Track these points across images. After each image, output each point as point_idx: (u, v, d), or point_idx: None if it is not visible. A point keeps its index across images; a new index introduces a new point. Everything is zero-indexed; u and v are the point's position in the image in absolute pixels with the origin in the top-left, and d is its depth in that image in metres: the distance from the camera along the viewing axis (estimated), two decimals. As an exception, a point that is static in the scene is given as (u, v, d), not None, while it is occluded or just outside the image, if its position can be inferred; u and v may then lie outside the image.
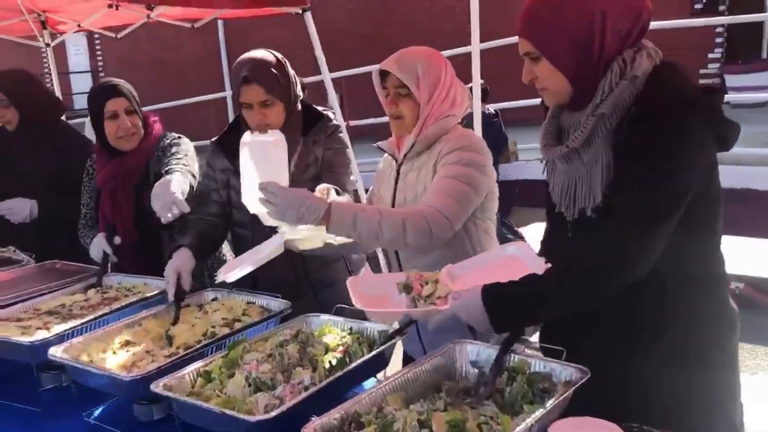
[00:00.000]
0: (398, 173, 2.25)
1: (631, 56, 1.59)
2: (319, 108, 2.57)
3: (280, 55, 2.44)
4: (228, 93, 12.68)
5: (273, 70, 2.37)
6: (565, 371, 1.59)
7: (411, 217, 1.96)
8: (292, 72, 2.46)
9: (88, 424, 1.89)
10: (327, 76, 4.57)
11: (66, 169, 3.05)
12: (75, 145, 3.23)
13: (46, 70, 18.28)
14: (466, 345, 1.77)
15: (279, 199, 1.89)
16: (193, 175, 2.63)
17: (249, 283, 2.38)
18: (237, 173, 2.48)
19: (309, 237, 2.07)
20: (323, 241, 2.07)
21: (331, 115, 2.55)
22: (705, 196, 1.58)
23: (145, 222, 2.63)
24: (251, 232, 2.46)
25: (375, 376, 1.88)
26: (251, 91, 2.35)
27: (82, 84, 17.45)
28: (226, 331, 2.00)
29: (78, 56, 18.41)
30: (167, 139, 2.77)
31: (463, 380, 1.72)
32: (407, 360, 2.29)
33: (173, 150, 2.72)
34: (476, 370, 1.72)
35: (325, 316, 2.05)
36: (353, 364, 1.73)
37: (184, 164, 2.64)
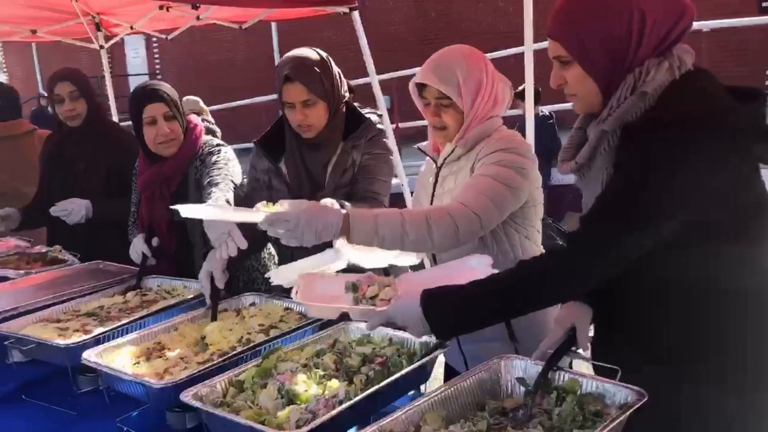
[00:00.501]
0: (437, 177, 2.16)
1: (648, 68, 1.46)
2: (366, 111, 2.48)
3: (324, 54, 2.38)
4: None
5: (316, 68, 2.30)
6: (619, 393, 1.46)
7: (434, 214, 1.84)
8: (336, 71, 2.39)
9: (120, 430, 1.85)
10: (375, 78, 4.50)
11: (119, 169, 3.05)
12: (127, 146, 3.23)
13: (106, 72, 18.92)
14: (512, 360, 1.66)
15: (292, 223, 1.76)
16: (235, 185, 2.58)
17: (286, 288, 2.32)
18: (279, 174, 2.43)
19: (371, 255, 1.99)
20: (387, 262, 1.99)
21: (376, 119, 2.46)
22: (743, 209, 1.45)
23: (181, 229, 2.61)
24: None
25: (418, 389, 1.79)
26: (293, 89, 2.29)
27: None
28: (262, 338, 1.94)
29: (136, 59, 18.84)
30: (208, 146, 2.72)
31: (509, 399, 1.61)
32: (449, 371, 2.19)
33: (214, 158, 2.66)
34: (523, 389, 1.62)
35: (362, 326, 1.96)
36: (392, 378, 1.64)
37: (225, 174, 2.58)
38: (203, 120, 4.36)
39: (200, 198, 2.59)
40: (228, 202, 2.44)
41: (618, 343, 1.60)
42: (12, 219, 3.17)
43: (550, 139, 6.83)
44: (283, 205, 1.88)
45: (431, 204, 2.15)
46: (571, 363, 1.63)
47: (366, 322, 1.71)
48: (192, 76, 17.55)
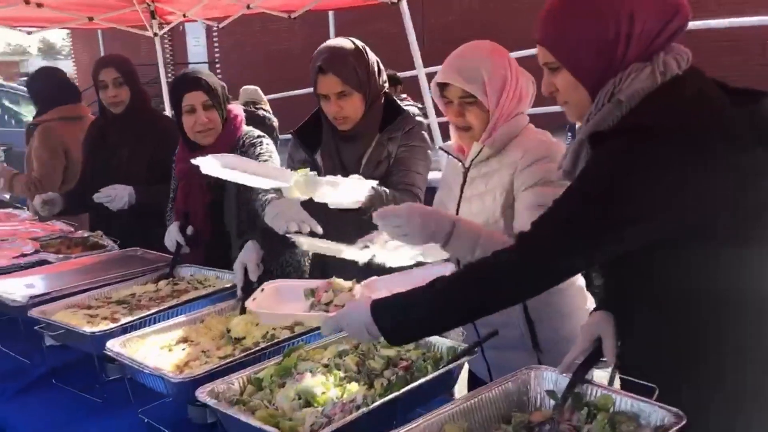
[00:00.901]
0: (465, 179, 2.05)
1: (630, 73, 1.38)
2: (407, 103, 2.42)
3: (360, 44, 2.32)
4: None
5: (350, 59, 2.25)
6: (656, 413, 1.36)
7: None
8: (373, 61, 2.33)
9: (140, 420, 1.83)
10: (421, 71, 4.40)
11: (161, 157, 3.03)
12: (170, 133, 3.23)
13: (169, 59, 19.30)
14: (542, 371, 1.57)
15: (403, 219, 1.71)
16: None
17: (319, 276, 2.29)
18: (314, 166, 2.38)
19: (397, 254, 1.92)
20: (413, 258, 1.92)
21: (416, 111, 2.39)
22: (742, 216, 1.35)
23: (217, 219, 2.59)
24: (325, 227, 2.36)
25: (450, 394, 1.72)
26: (327, 81, 2.25)
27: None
28: (287, 334, 1.89)
29: (197, 47, 19.16)
30: (249, 137, 2.69)
31: (537, 412, 1.52)
32: (472, 378, 2.10)
33: (257, 151, 2.63)
34: (553, 402, 1.53)
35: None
36: (413, 384, 1.57)
37: (269, 157, 2.57)
38: (260, 110, 4.36)
39: (239, 192, 2.58)
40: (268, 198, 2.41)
41: (658, 359, 1.49)
42: (54, 203, 3.21)
43: None
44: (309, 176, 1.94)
45: (458, 206, 2.05)
46: (591, 376, 1.53)
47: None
48: (251, 65, 17.75)
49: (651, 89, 1.37)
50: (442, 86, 1.97)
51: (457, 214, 2.03)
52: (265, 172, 2.08)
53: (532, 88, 2.00)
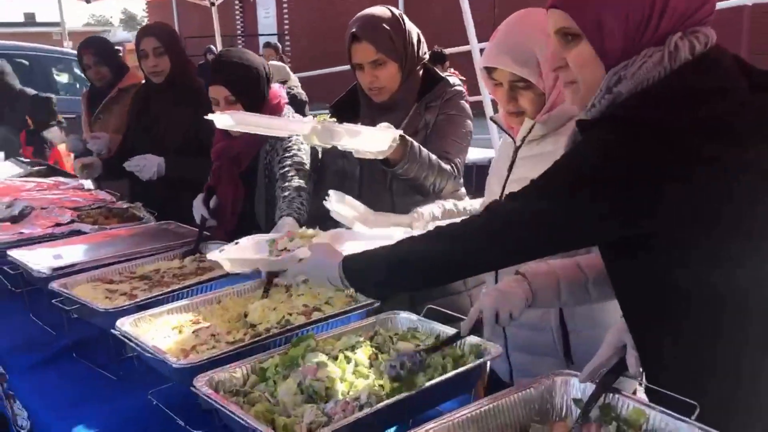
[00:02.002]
0: (514, 159, 1.86)
1: (637, 60, 1.20)
2: (447, 74, 2.27)
3: (397, 12, 2.18)
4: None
5: (385, 26, 2.12)
6: (694, 434, 1.19)
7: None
8: (411, 30, 2.18)
9: (149, 402, 1.77)
10: (475, 45, 4.18)
11: (198, 129, 2.97)
12: (208, 106, 3.18)
13: (239, 30, 19.40)
14: (570, 378, 1.41)
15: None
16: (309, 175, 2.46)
17: None
18: None
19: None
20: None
21: (456, 81, 2.25)
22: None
23: (248, 207, 2.52)
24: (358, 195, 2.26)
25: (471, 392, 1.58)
26: (361, 49, 2.14)
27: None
28: (302, 320, 1.78)
29: (267, 19, 19.26)
30: None
31: (559, 423, 1.37)
32: (493, 379, 1.94)
33: (285, 145, 2.51)
34: (578, 410, 1.37)
35: (413, 317, 1.77)
36: (427, 384, 1.44)
37: (299, 163, 2.44)
38: (289, 88, 4.25)
39: (269, 186, 2.51)
40: (302, 195, 2.34)
41: (699, 374, 1.31)
42: (94, 168, 3.22)
43: None
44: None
45: (503, 188, 1.87)
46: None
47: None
48: (320, 37, 17.70)
49: (655, 80, 1.19)
50: (491, 68, 1.77)
51: (501, 197, 1.87)
52: (281, 123, 2.04)
53: None
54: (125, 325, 1.76)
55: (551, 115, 1.74)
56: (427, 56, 2.24)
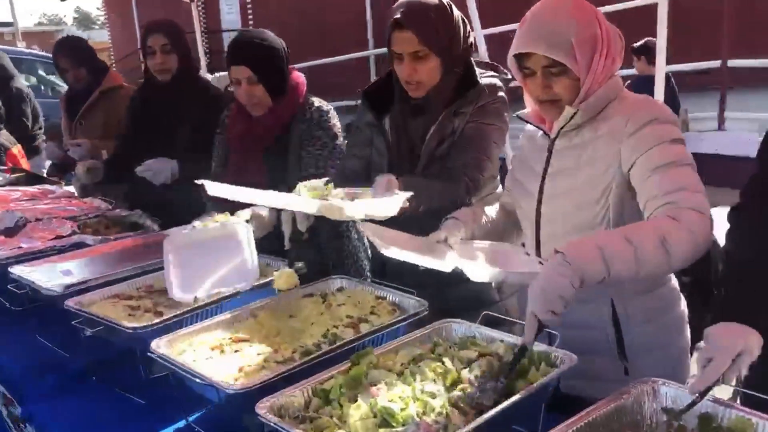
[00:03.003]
0: (550, 154, 1.78)
1: None
2: (489, 74, 2.11)
3: (446, 1, 2.01)
4: (371, 52, 12.42)
5: (432, 15, 1.97)
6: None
7: (670, 234, 1.45)
8: (458, 22, 2.02)
9: (189, 428, 1.65)
10: (479, 32, 4.08)
11: (206, 128, 2.81)
12: (217, 105, 3.03)
13: (203, 27, 19.12)
14: (659, 386, 1.33)
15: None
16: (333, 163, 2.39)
17: (378, 269, 2.06)
18: (381, 132, 2.17)
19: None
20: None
21: (497, 83, 2.09)
22: None
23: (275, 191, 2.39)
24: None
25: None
26: (403, 38, 1.98)
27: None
28: (350, 334, 1.67)
29: (230, 15, 18.89)
30: (317, 110, 2.47)
31: (653, 435, 1.29)
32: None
33: (324, 126, 2.43)
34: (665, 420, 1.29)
35: (468, 325, 1.66)
36: (512, 399, 1.33)
37: (332, 160, 2.37)
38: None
39: (297, 161, 2.41)
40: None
41: None
42: (96, 172, 3.06)
43: (669, 102, 6.18)
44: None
45: (542, 184, 1.78)
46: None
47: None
48: (285, 32, 17.38)
49: None
50: (522, 56, 1.68)
51: (540, 195, 1.78)
52: (284, 200, 1.87)
53: (622, 45, 1.72)
54: (161, 346, 1.63)
55: (590, 102, 1.67)
56: (471, 50, 2.09)
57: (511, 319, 1.77)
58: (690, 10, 7.23)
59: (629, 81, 5.36)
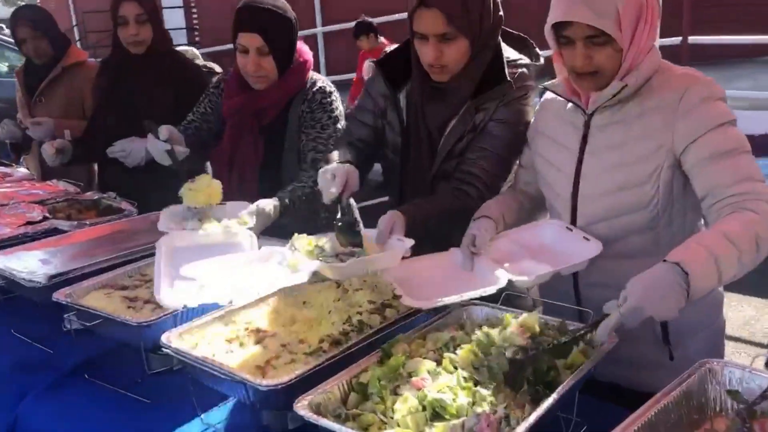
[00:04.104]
0: (587, 128, 1.68)
1: None
2: (522, 60, 1.95)
3: None
4: (320, 29, 12.10)
5: None
6: None
7: (761, 230, 1.39)
8: (491, 1, 1.85)
9: (207, 427, 1.52)
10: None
11: (185, 104, 2.65)
12: (192, 79, 2.85)
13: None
14: (723, 367, 1.27)
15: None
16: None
17: None
18: (395, 107, 2.03)
19: None
20: None
21: (525, 72, 1.93)
22: None
23: (272, 167, 2.25)
24: (399, 177, 2.04)
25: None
26: (429, 17, 1.79)
27: (173, 20, 17.27)
28: (377, 321, 1.57)
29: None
30: (320, 92, 2.33)
31: (720, 418, 1.23)
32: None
33: (327, 108, 2.29)
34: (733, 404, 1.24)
35: (494, 309, 1.58)
36: (566, 384, 1.26)
37: (333, 145, 2.22)
38: (204, 66, 3.92)
39: (295, 142, 2.28)
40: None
41: None
42: (65, 152, 2.83)
43: None
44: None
45: (578, 165, 1.68)
46: None
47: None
48: (228, 7, 16.82)
49: None
50: (562, 24, 1.57)
51: (578, 173, 1.69)
52: (278, 279, 1.63)
53: (660, 11, 1.62)
54: (172, 340, 1.49)
55: (639, 75, 1.58)
56: (500, 25, 1.92)
57: (533, 297, 1.71)
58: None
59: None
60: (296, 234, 1.69)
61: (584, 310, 1.55)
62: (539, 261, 1.62)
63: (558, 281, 1.65)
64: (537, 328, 1.46)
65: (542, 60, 2.02)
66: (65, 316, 1.72)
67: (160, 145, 2.24)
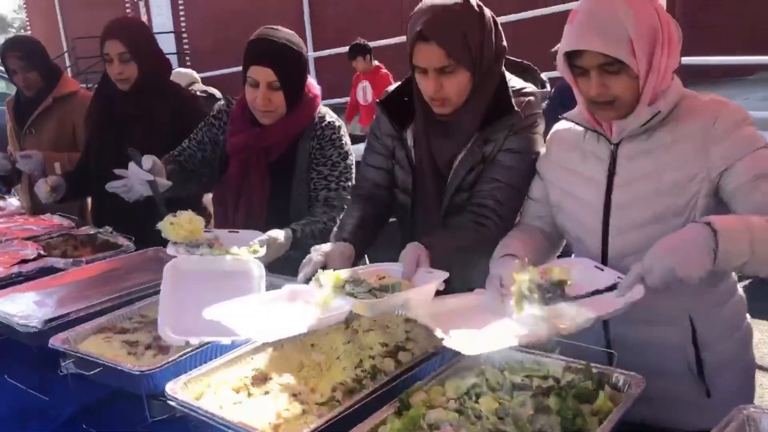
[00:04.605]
0: (613, 159, 1.63)
1: None
2: (528, 88, 1.90)
3: (475, 2, 1.78)
4: (311, 54, 12.15)
5: (461, 23, 1.73)
6: None
7: None
8: (490, 23, 1.79)
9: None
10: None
11: (182, 134, 2.56)
12: (189, 109, 2.78)
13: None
14: (760, 414, 1.21)
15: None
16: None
17: None
18: (403, 145, 1.97)
19: None
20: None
21: (533, 100, 1.88)
22: None
23: (280, 207, 2.19)
24: (411, 216, 1.98)
25: None
26: (427, 52, 1.73)
27: (163, 45, 17.32)
28: (392, 366, 1.50)
29: (160, 17, 18.27)
30: (329, 126, 2.27)
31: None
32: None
33: (336, 144, 2.24)
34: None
35: (513, 350, 1.52)
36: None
37: (344, 181, 2.19)
38: (196, 91, 3.85)
39: (304, 180, 2.24)
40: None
41: None
42: (60, 190, 2.75)
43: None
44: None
45: (607, 196, 1.63)
46: None
47: None
48: (221, 34, 17.01)
49: None
50: (573, 54, 1.54)
51: (607, 206, 1.63)
52: (317, 319, 1.50)
53: (679, 35, 1.58)
54: (177, 391, 1.42)
55: (667, 102, 1.54)
56: (504, 53, 1.87)
57: (563, 340, 1.64)
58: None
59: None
60: (320, 269, 1.62)
61: (612, 352, 1.48)
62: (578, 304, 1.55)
63: None
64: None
65: (548, 86, 1.98)
66: (63, 364, 1.64)
67: (142, 174, 2.18)
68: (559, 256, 1.86)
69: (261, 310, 1.57)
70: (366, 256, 2.24)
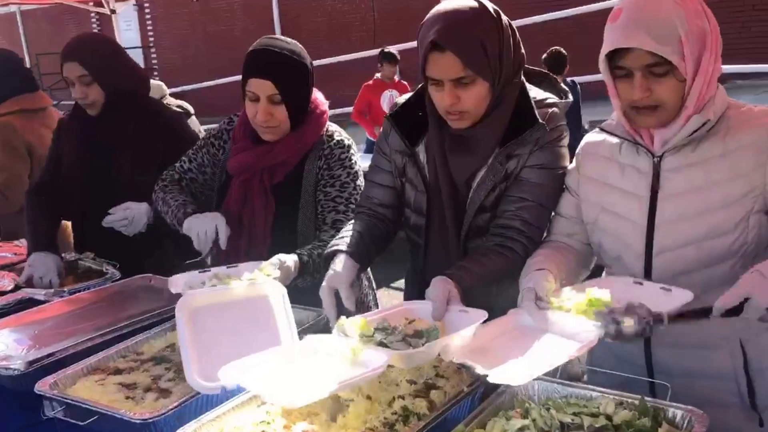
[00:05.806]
0: (656, 172, 1.51)
1: None
2: (550, 98, 1.76)
3: (490, 5, 1.64)
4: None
5: (478, 31, 1.59)
6: None
7: None
8: (508, 29, 1.66)
9: None
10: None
11: (172, 157, 2.35)
12: (176, 132, 2.58)
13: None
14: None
15: None
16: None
17: None
18: (415, 162, 1.81)
19: None
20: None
21: (556, 111, 1.74)
22: None
23: (285, 229, 2.05)
24: (425, 239, 1.83)
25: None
26: (443, 62, 1.59)
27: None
28: (424, 407, 1.36)
29: (128, 32, 17.94)
30: (337, 145, 2.11)
31: None
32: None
33: (345, 164, 2.09)
34: None
35: (552, 384, 1.39)
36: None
37: (353, 203, 2.04)
38: (168, 103, 3.63)
39: (311, 202, 2.09)
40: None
41: None
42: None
43: (575, 108, 6.16)
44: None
45: (651, 213, 1.50)
46: None
47: None
48: (188, 49, 16.77)
49: None
50: (618, 53, 1.42)
51: (651, 222, 1.51)
52: (359, 375, 1.31)
53: (721, 41, 1.47)
54: (189, 442, 1.26)
55: (716, 110, 1.44)
56: (522, 62, 1.74)
57: (599, 369, 1.52)
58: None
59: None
60: (343, 317, 1.46)
61: (665, 384, 1.36)
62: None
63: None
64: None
65: (570, 96, 1.86)
66: (51, 414, 1.46)
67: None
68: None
69: (283, 369, 1.38)
70: (369, 269, 2.12)
